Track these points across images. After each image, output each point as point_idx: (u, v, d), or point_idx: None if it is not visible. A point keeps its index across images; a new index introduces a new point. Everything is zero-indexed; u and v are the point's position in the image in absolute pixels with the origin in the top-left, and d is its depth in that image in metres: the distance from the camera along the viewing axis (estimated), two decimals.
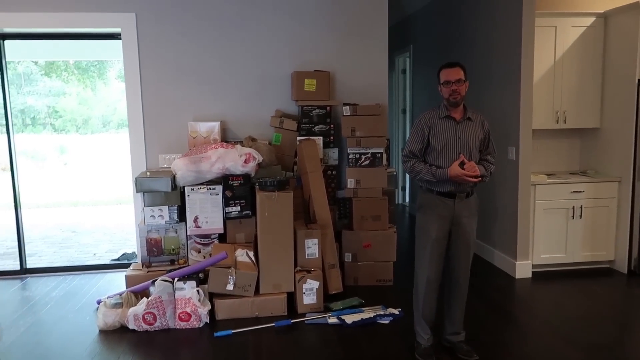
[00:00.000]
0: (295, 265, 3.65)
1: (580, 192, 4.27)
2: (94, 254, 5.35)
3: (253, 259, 3.56)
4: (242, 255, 3.57)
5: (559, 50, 4.34)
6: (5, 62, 4.39)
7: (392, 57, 7.67)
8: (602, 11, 4.34)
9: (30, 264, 4.82)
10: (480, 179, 2.76)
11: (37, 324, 3.50)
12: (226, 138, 4.34)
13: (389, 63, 7.90)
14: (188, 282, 3.38)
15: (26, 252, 4.66)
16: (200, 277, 3.51)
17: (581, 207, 4.28)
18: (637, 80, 4.07)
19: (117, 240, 5.91)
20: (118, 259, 4.95)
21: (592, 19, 4.34)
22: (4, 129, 4.51)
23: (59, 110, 14.48)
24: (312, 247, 3.68)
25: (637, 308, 3.63)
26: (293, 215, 3.95)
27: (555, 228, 4.30)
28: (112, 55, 4.43)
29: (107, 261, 4.99)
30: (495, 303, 3.75)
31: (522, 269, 4.27)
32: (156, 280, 3.36)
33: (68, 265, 4.86)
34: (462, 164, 2.72)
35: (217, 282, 3.43)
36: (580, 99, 4.41)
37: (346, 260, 4.13)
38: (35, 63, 12.91)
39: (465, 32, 5.10)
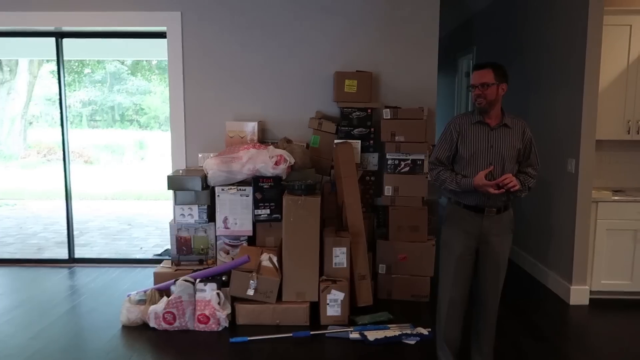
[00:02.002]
0: (322, 274, 3.49)
1: None
2: (141, 248, 5.48)
3: (276, 264, 3.44)
4: (266, 260, 3.46)
5: (633, 52, 3.85)
6: (63, 60, 4.60)
7: (455, 59, 7.30)
8: None
9: (81, 253, 5.03)
10: (510, 193, 2.45)
11: (67, 314, 3.59)
12: (265, 139, 4.27)
13: (451, 65, 7.56)
14: (209, 284, 3.32)
15: (77, 242, 4.87)
16: (223, 280, 3.44)
17: None
18: None
19: (167, 236, 6.02)
20: (160, 255, 5.04)
21: None
22: (97, 124, 4.74)
23: (145, 108, 15.31)
24: (340, 256, 3.50)
25: None
26: (323, 221, 3.85)
27: (619, 251, 3.81)
28: (159, 54, 4.49)
29: (150, 256, 5.10)
30: (542, 332, 3.38)
31: (578, 295, 3.83)
32: (178, 279, 3.33)
33: (113, 257, 5.01)
34: (491, 177, 2.44)
35: (238, 286, 3.35)
36: None
37: (380, 272, 3.91)
38: (122, 63, 13.72)
39: (528, 32, 4.68)
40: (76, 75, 14.57)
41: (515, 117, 2.58)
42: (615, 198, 3.80)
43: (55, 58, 4.58)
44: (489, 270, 2.58)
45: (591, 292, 3.85)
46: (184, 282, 3.31)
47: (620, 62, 3.86)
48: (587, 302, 3.83)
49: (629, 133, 3.92)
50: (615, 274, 3.84)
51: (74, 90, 14.45)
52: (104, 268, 4.65)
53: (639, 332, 3.36)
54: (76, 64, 13.87)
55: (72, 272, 4.55)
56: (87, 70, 14.41)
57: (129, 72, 14.28)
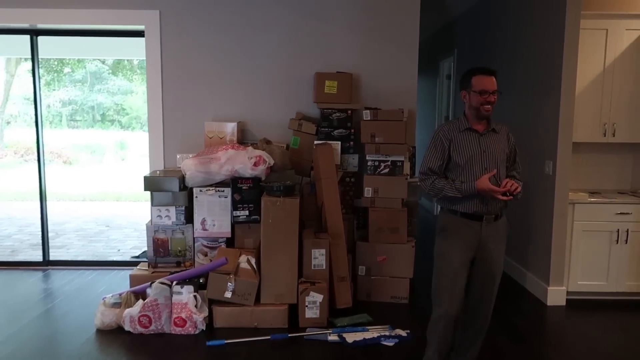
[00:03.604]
0: (300, 276, 3.47)
1: (627, 214, 3.81)
2: (118, 250, 5.39)
3: (254, 266, 3.41)
4: (244, 261, 3.42)
5: (609, 56, 3.90)
6: (38, 58, 4.50)
7: (437, 62, 7.34)
8: None
9: (56, 256, 4.92)
10: (511, 197, 2.41)
11: (39, 317, 3.51)
12: (244, 139, 4.23)
13: (433, 68, 7.59)
14: (186, 286, 3.27)
15: (53, 244, 4.78)
16: (200, 282, 3.39)
17: (627, 230, 3.81)
18: None
19: (145, 238, 5.94)
20: (138, 257, 4.95)
21: None
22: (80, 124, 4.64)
23: (126, 108, 15.11)
24: (319, 258, 3.48)
25: None
26: (303, 223, 3.82)
27: (595, 252, 3.86)
28: (138, 54, 4.42)
29: (128, 258, 5.01)
30: (519, 332, 3.40)
31: (555, 296, 3.86)
32: (154, 282, 3.28)
33: (89, 259, 4.91)
34: (493, 182, 2.43)
35: (216, 289, 3.31)
36: (632, 111, 3.95)
37: (359, 273, 3.89)
38: (103, 62, 13.52)
39: (508, 35, 4.73)
40: (56, 74, 14.32)
41: (498, 122, 2.58)
42: (591, 200, 3.84)
43: (30, 56, 4.48)
44: (485, 281, 2.54)
45: (568, 293, 3.89)
46: (160, 284, 3.26)
47: (596, 65, 3.91)
48: (564, 303, 3.87)
49: (604, 135, 3.97)
50: (591, 274, 3.88)
51: (53, 90, 14.21)
52: (79, 271, 4.56)
53: (613, 332, 3.40)
54: (55, 62, 13.64)
55: (47, 275, 4.45)
56: (67, 70, 14.19)
57: (110, 71, 14.09)
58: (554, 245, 3.82)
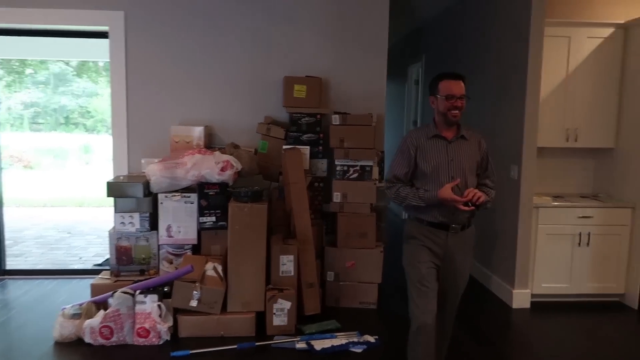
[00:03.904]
0: (268, 283, 3.41)
1: (588, 217, 3.90)
2: (80, 258, 5.21)
3: (221, 273, 3.33)
4: (211, 269, 3.35)
5: (572, 63, 4.00)
6: None
7: (405, 67, 7.41)
8: (623, 22, 3.98)
9: (14, 265, 4.73)
10: (475, 208, 2.35)
11: None
12: (212, 144, 4.15)
13: (402, 73, 7.66)
14: (149, 295, 3.18)
15: (10, 253, 4.59)
16: (165, 291, 3.30)
17: (589, 234, 3.91)
18: None
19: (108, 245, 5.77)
20: (101, 265, 4.80)
21: (610, 30, 3.99)
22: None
23: (91, 111, 14.68)
24: (287, 264, 3.44)
25: None
26: (271, 229, 3.77)
27: (559, 255, 3.94)
28: (102, 55, 4.29)
29: (90, 266, 4.85)
30: (484, 335, 3.43)
31: (520, 298, 3.92)
32: (116, 291, 3.17)
33: (48, 268, 4.73)
34: (457, 191, 2.35)
35: (181, 297, 3.22)
36: (594, 116, 4.06)
37: (328, 279, 3.86)
38: (67, 63, 13.13)
39: (475, 41, 4.80)
40: (17, 76, 13.83)
41: (470, 128, 2.53)
42: (555, 204, 3.92)
43: None
44: (449, 291, 2.52)
45: (532, 296, 3.95)
46: (123, 294, 3.15)
47: (559, 72, 4.00)
48: (528, 306, 3.93)
49: (567, 140, 4.06)
50: (554, 277, 3.96)
51: (15, 92, 13.71)
52: (37, 280, 4.38)
53: (576, 334, 3.46)
54: (17, 63, 13.17)
55: (2, 285, 4.26)
56: (29, 71, 13.72)
57: (75, 73, 13.71)
58: (519, 249, 3.88)
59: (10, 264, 4.66)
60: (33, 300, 3.89)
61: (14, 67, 13.52)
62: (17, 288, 4.17)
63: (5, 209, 4.52)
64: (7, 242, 4.59)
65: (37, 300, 3.89)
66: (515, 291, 3.92)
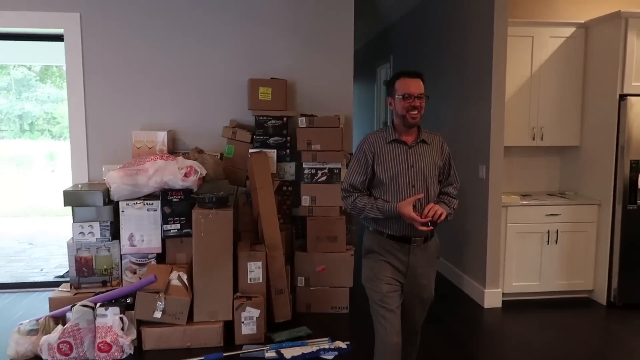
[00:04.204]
0: (236, 291, 3.32)
1: (556, 215, 3.93)
2: (41, 270, 5.01)
3: (186, 282, 3.23)
4: (175, 278, 3.23)
5: (535, 62, 4.03)
6: None
7: (374, 68, 7.41)
8: (583, 21, 4.04)
9: None
10: (432, 228, 2.20)
11: None
12: (176, 149, 4.04)
13: (370, 75, 7.65)
14: (110, 308, 3.04)
15: None
16: (128, 303, 3.17)
17: (557, 231, 3.94)
18: (618, 96, 3.74)
19: None
20: (62, 276, 4.61)
21: (572, 29, 4.04)
22: None
23: (57, 117, 14.26)
24: (255, 271, 3.35)
25: (614, 347, 3.27)
26: (239, 235, 3.70)
27: (528, 254, 3.95)
28: (59, 59, 4.12)
29: (51, 278, 4.66)
30: (456, 336, 3.40)
31: (492, 298, 3.92)
32: (75, 305, 3.03)
33: (6, 282, 4.52)
34: (420, 208, 2.20)
35: (144, 309, 3.10)
36: (558, 115, 4.10)
37: (298, 284, 3.79)
38: (29, 68, 12.72)
39: (441, 41, 4.80)
40: None
41: (431, 131, 2.36)
42: (523, 202, 3.94)
43: None
44: (414, 307, 2.38)
45: (504, 295, 3.95)
46: (82, 307, 3.01)
47: (524, 72, 4.03)
48: (500, 305, 3.93)
49: (533, 139, 4.09)
50: (525, 275, 3.97)
51: None
52: None
53: (546, 331, 3.47)
54: None
55: None
56: None
57: (38, 78, 13.30)
58: (489, 248, 3.88)
59: None
60: None
61: None
62: None
63: None
64: None
65: None
66: (486, 291, 3.92)
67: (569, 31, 4.03)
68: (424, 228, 2.15)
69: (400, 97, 2.22)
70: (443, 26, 4.73)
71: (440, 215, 2.15)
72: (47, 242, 6.26)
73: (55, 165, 13.92)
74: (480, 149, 3.97)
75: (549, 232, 3.93)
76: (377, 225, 2.30)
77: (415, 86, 2.22)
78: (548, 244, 3.95)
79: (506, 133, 3.88)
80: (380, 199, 2.27)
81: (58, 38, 4.03)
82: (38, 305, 3.94)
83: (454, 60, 4.49)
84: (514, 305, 3.93)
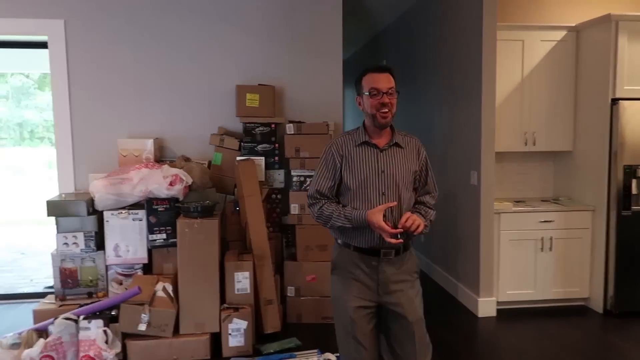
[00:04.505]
0: (224, 302, 3.25)
1: (549, 221, 3.87)
2: (31, 280, 4.94)
3: (171, 294, 3.16)
4: (161, 289, 3.17)
5: (526, 66, 3.99)
6: None
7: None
8: (574, 24, 3.99)
9: None
10: (402, 241, 1.98)
11: None
12: (163, 157, 3.98)
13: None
14: (94, 320, 2.98)
15: None
16: (112, 315, 3.10)
17: (551, 238, 3.87)
18: (610, 100, 3.69)
19: None
20: (52, 287, 4.54)
21: (563, 33, 3.99)
22: None
23: None
24: (242, 282, 3.28)
25: (612, 357, 3.20)
26: (227, 244, 3.65)
27: (522, 261, 3.89)
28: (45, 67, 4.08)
29: (41, 289, 4.59)
30: (449, 347, 3.33)
31: (486, 307, 3.85)
32: (57, 318, 2.96)
33: None
34: (391, 218, 2.01)
35: (129, 321, 3.03)
36: (551, 119, 4.04)
37: (289, 294, 3.73)
38: (27, 76, 12.71)
39: (431, 48, 4.76)
40: None
41: (406, 134, 2.16)
42: (516, 209, 3.87)
43: None
44: (402, 331, 2.07)
45: (498, 303, 3.88)
46: (65, 320, 2.94)
47: (515, 76, 3.98)
48: (494, 314, 3.86)
49: (526, 144, 4.03)
50: (519, 283, 3.90)
51: None
52: None
53: (542, 340, 3.40)
54: None
55: None
56: None
57: (36, 86, 13.30)
58: (482, 256, 3.82)
59: None
60: None
61: None
62: None
63: None
64: None
65: None
66: (480, 299, 3.85)
67: (559, 35, 3.98)
68: (393, 240, 1.93)
69: (367, 93, 2.01)
70: (434, 29, 4.69)
71: (418, 227, 1.94)
72: (39, 251, 6.20)
73: (53, 173, 13.88)
74: (472, 155, 3.91)
75: (542, 239, 3.87)
76: (344, 237, 2.10)
77: (384, 81, 2.00)
78: (542, 251, 3.88)
79: (498, 138, 3.83)
80: (348, 206, 2.07)
81: (35, 45, 4.00)
82: (25, 317, 3.86)
83: (445, 65, 4.44)
84: (508, 314, 3.86)
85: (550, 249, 3.88)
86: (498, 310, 3.87)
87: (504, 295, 3.90)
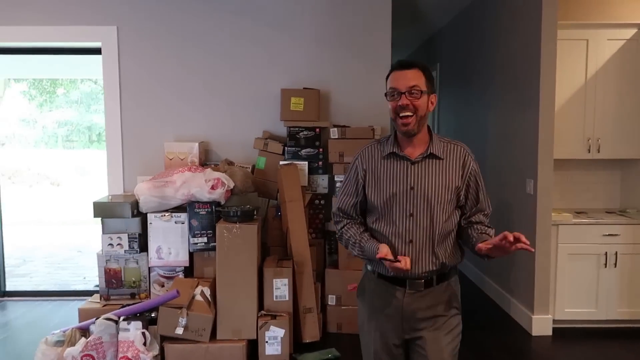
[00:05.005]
0: (262, 308, 3.20)
1: (615, 235, 3.55)
2: (84, 277, 5.11)
3: (209, 298, 3.14)
4: (199, 294, 3.15)
5: (591, 68, 3.69)
6: None
7: None
8: None
9: (16, 285, 4.67)
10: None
11: None
12: (208, 160, 4.00)
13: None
14: (133, 322, 3.00)
15: (17, 273, 4.56)
16: (152, 317, 3.12)
17: (616, 253, 3.55)
18: None
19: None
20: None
21: (633, 31, 3.67)
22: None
23: None
24: (281, 288, 3.22)
25: None
26: (268, 250, 3.61)
27: (583, 277, 3.59)
28: (97, 72, 4.20)
29: (92, 287, 4.73)
30: None
31: (540, 325, 3.58)
32: (98, 318, 3.00)
33: (49, 289, 4.63)
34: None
35: (167, 324, 3.03)
36: (617, 125, 3.72)
37: (329, 303, 3.62)
38: (95, 82, 13.38)
39: (487, 49, 4.52)
40: (48, 96, 14.19)
41: (451, 141, 1.82)
42: (576, 221, 3.59)
43: None
44: None
45: (554, 322, 3.61)
46: (105, 320, 2.98)
47: (578, 78, 3.70)
48: (550, 333, 3.58)
49: (589, 152, 3.73)
50: (579, 301, 3.61)
51: (50, 111, 14.06)
52: (36, 302, 4.28)
53: None
54: (48, 83, 13.51)
55: (1, 307, 4.17)
56: (61, 90, 14.07)
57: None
58: (538, 270, 3.56)
59: (14, 284, 4.60)
60: (26, 324, 3.78)
61: (45, 87, 13.89)
62: (13, 310, 4.08)
63: (19, 228, 4.46)
64: (15, 262, 4.52)
65: (30, 324, 3.78)
66: (534, 317, 3.58)
67: (629, 33, 3.66)
68: (400, 265, 1.63)
69: (387, 94, 1.75)
70: (490, 30, 4.45)
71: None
72: (95, 250, 6.41)
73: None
74: (528, 162, 3.66)
75: (606, 254, 3.55)
76: (368, 261, 1.87)
77: (404, 79, 1.69)
78: (606, 267, 3.57)
79: (557, 144, 3.56)
80: (371, 230, 1.81)
81: (88, 51, 4.12)
82: (75, 314, 3.97)
83: (501, 66, 4.20)
84: (566, 334, 3.57)
85: (615, 265, 3.56)
86: (554, 329, 3.60)
87: (561, 313, 3.62)
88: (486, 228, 1.79)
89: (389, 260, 1.64)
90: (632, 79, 3.69)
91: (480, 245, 1.66)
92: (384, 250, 1.68)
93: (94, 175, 14.41)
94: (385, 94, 1.77)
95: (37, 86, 13.67)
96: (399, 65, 1.75)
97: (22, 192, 11.70)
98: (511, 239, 1.54)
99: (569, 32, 3.60)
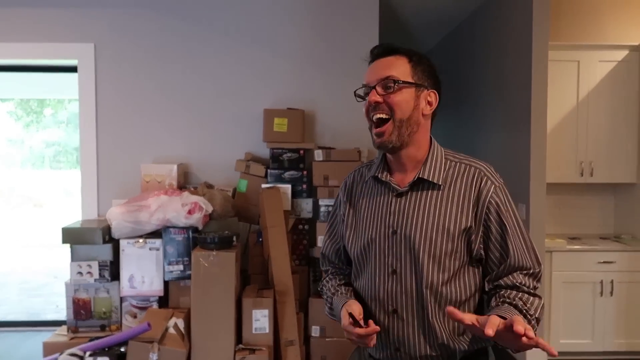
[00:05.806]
0: (240, 342, 3.00)
1: (610, 262, 3.41)
2: (57, 306, 4.87)
3: (183, 331, 2.93)
4: (172, 326, 2.95)
5: (582, 89, 3.61)
6: None
7: None
8: (637, 43, 3.59)
9: None
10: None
11: None
12: (188, 183, 3.82)
13: None
14: (100, 357, 2.78)
15: None
16: (121, 352, 2.90)
17: (612, 281, 3.41)
18: None
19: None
20: None
21: (624, 53, 3.60)
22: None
23: None
24: (261, 320, 3.02)
25: None
26: (248, 278, 3.42)
27: (578, 307, 3.44)
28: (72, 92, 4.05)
29: (63, 316, 4.48)
30: None
31: (535, 357, 3.40)
32: (62, 353, 2.78)
33: (17, 319, 4.39)
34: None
35: None
36: (610, 148, 3.62)
37: (313, 334, 3.42)
38: None
39: (478, 69, 4.44)
40: (35, 116, 14.01)
41: (462, 159, 1.29)
42: (571, 247, 3.45)
43: None
44: None
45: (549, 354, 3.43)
46: (69, 356, 2.76)
47: (569, 99, 3.61)
48: None
49: (582, 175, 3.62)
50: (574, 332, 3.45)
51: (36, 131, 13.86)
52: (3, 332, 4.03)
53: None
54: (35, 103, 13.34)
55: None
56: (48, 110, 13.89)
57: (79, 110, 13.85)
58: None
59: None
60: None
61: (32, 107, 13.72)
62: None
63: None
64: None
65: None
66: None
67: (620, 54, 3.59)
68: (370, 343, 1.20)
69: (357, 98, 1.32)
70: (479, 51, 4.38)
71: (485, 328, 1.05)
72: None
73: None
74: (520, 186, 3.53)
75: (602, 282, 3.42)
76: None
77: (376, 70, 1.26)
78: (602, 295, 3.42)
79: (550, 168, 3.44)
80: (351, 283, 1.38)
81: (59, 69, 3.98)
82: (39, 347, 3.74)
83: (491, 88, 4.10)
84: None
85: (611, 293, 3.42)
86: None
87: (556, 345, 3.45)
88: (521, 294, 1.20)
89: (356, 325, 1.17)
90: (624, 101, 3.61)
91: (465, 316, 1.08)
92: (353, 311, 1.20)
93: (78, 197, 14.15)
94: (355, 94, 1.33)
95: (24, 106, 13.50)
96: (373, 54, 1.30)
97: (4, 214, 11.41)
98: (521, 331, 1.02)
99: (560, 54, 3.53)
